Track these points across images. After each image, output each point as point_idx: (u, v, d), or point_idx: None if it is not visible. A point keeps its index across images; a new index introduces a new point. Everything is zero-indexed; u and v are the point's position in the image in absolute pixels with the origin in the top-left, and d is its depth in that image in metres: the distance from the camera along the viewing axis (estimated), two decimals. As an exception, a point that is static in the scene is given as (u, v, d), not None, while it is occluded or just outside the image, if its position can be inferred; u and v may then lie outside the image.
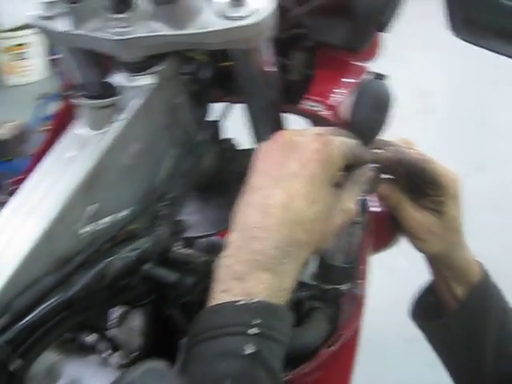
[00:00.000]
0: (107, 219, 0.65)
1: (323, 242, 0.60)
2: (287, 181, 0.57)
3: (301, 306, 0.78)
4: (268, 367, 0.51)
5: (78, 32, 0.65)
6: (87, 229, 0.62)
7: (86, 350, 0.77)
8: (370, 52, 0.80)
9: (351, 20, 0.73)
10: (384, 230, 0.82)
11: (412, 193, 0.76)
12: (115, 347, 0.78)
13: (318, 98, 0.74)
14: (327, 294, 0.76)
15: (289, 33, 0.82)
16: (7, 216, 0.59)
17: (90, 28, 0.65)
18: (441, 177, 0.73)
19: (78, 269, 0.60)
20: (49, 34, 0.68)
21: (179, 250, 0.80)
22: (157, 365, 0.47)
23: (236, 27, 0.62)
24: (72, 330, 0.68)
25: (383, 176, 0.76)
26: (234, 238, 0.58)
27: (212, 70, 0.77)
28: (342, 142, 0.61)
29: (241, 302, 0.53)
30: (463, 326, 0.80)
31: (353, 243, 0.75)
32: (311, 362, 0.75)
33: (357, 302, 0.77)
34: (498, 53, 0.55)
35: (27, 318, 0.55)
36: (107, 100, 0.62)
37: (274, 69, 0.73)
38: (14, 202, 0.60)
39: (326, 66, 0.77)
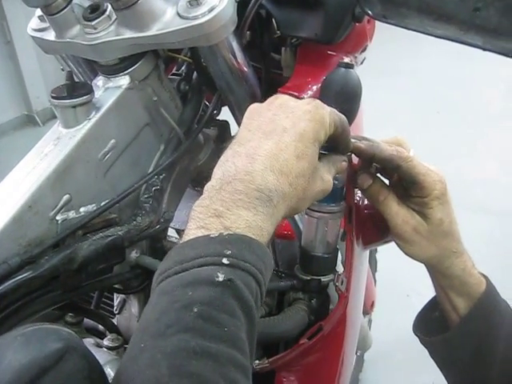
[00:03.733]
0: (83, 208, 0.71)
1: (302, 202, 0.59)
2: (277, 135, 0.57)
3: (283, 297, 0.80)
4: (240, 297, 0.47)
5: (61, 40, 0.73)
6: (61, 217, 0.69)
7: (85, 333, 0.84)
8: (353, 43, 0.80)
9: (322, 12, 0.74)
10: (376, 224, 0.81)
11: (397, 192, 0.74)
12: (115, 331, 0.85)
13: (292, 92, 0.76)
14: (309, 284, 0.77)
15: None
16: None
17: (69, 36, 0.72)
18: (421, 176, 0.69)
19: (47, 252, 0.66)
20: (41, 43, 0.76)
21: (171, 240, 0.85)
22: (55, 327, 0.48)
23: (192, 26, 0.66)
24: (59, 308, 0.74)
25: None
26: (213, 184, 0.55)
27: (196, 70, 0.82)
28: (334, 112, 0.62)
29: (215, 235, 0.50)
30: (466, 342, 0.75)
31: (330, 233, 0.75)
32: (291, 352, 0.76)
33: (339, 294, 0.77)
34: (416, 31, 0.53)
35: (-9, 293, 0.62)
36: (74, 100, 0.68)
37: (248, 65, 0.76)
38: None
39: (306, 61, 0.78)
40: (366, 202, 0.84)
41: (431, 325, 0.80)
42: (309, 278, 0.76)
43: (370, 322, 1.85)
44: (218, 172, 0.56)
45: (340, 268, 0.81)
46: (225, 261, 0.48)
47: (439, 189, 0.70)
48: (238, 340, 0.46)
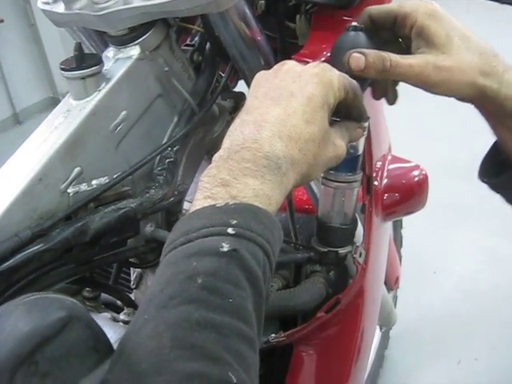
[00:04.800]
0: (95, 181, 0.70)
1: (314, 168, 0.57)
2: (285, 100, 0.56)
3: (300, 269, 0.79)
4: (246, 267, 0.46)
5: (70, 12, 0.71)
6: (73, 189, 0.68)
7: (103, 308, 0.84)
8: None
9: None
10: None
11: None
12: (132, 306, 0.84)
13: (307, 59, 0.74)
14: (326, 257, 0.75)
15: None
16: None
17: (78, 7, 0.70)
18: (396, 7, 0.67)
19: (59, 225, 0.66)
20: (51, 16, 0.75)
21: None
22: (58, 296, 0.47)
23: (202, -8, 0.64)
24: (76, 283, 0.74)
25: None
26: (220, 153, 0.54)
27: (209, 40, 0.80)
28: (343, 75, 0.60)
29: (221, 204, 0.49)
30: None
31: (347, 203, 0.73)
32: (308, 325, 0.75)
33: (357, 267, 0.75)
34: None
35: (3, 265, 0.61)
36: (83, 71, 0.67)
37: (261, 33, 0.74)
38: (4, 167, 0.67)
39: (321, 27, 0.76)
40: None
41: (498, 166, 0.73)
42: (326, 249, 0.75)
43: (395, 298, 1.83)
44: (226, 142, 0.55)
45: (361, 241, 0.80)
46: (230, 231, 0.47)
47: (424, 6, 0.66)
48: (243, 311, 0.45)
